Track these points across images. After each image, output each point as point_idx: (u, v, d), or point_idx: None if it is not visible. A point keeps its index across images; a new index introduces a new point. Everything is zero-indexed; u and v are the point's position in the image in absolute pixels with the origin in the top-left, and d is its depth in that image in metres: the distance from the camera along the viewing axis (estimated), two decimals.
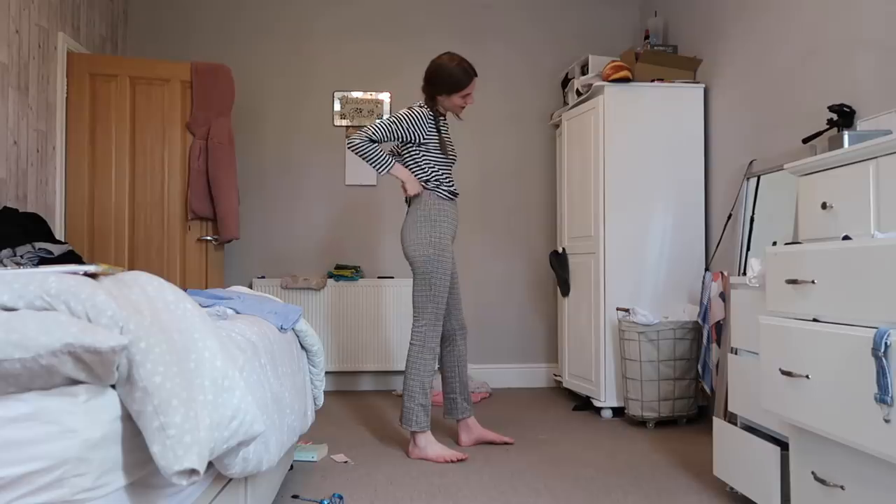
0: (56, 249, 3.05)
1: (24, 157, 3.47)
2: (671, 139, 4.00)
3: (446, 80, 3.16)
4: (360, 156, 3.11)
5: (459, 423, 3.37)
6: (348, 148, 3.17)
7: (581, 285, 4.20)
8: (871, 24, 2.78)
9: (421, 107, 3.20)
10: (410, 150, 3.19)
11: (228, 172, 4.09)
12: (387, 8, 4.97)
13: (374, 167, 3.13)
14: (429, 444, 3.11)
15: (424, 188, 3.18)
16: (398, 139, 3.17)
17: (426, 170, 3.18)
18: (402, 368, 4.71)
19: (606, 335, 3.95)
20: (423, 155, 3.19)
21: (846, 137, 2.33)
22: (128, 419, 1.23)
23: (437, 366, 3.20)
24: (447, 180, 3.22)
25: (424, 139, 3.17)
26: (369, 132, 3.10)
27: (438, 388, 4.52)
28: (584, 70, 4.49)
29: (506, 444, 3.34)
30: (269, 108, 4.88)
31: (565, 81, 4.80)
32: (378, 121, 3.16)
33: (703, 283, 3.60)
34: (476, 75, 3.20)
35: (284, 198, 4.87)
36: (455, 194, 3.24)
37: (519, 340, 4.98)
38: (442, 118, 3.27)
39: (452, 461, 3.03)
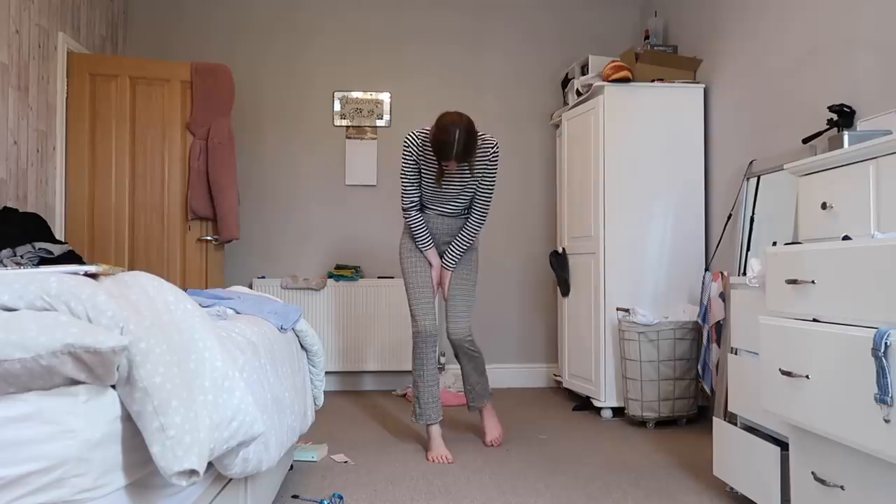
0: (56, 249, 3.05)
1: (24, 157, 3.47)
2: (671, 139, 4.00)
3: (434, 145, 3.00)
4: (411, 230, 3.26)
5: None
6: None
7: (581, 285, 4.20)
8: (871, 24, 2.78)
9: (419, 131, 3.16)
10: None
11: (228, 172, 4.09)
12: (387, 8, 4.97)
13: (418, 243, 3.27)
14: (430, 440, 3.17)
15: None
16: (416, 178, 3.17)
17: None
18: (402, 369, 4.74)
19: (606, 335, 3.94)
20: (423, 177, 3.18)
21: (846, 137, 2.33)
22: (128, 419, 1.23)
23: (425, 361, 3.23)
24: (426, 198, 3.21)
25: (420, 164, 3.16)
26: (402, 201, 3.22)
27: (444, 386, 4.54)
28: (584, 70, 4.49)
29: (492, 444, 3.35)
30: (269, 108, 4.88)
31: (565, 81, 4.80)
32: (400, 179, 3.25)
33: (703, 283, 3.60)
34: (447, 159, 2.97)
35: (284, 198, 4.87)
36: (427, 207, 3.23)
37: (519, 340, 4.98)
38: None
39: (437, 461, 3.06)
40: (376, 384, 4.83)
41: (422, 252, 3.28)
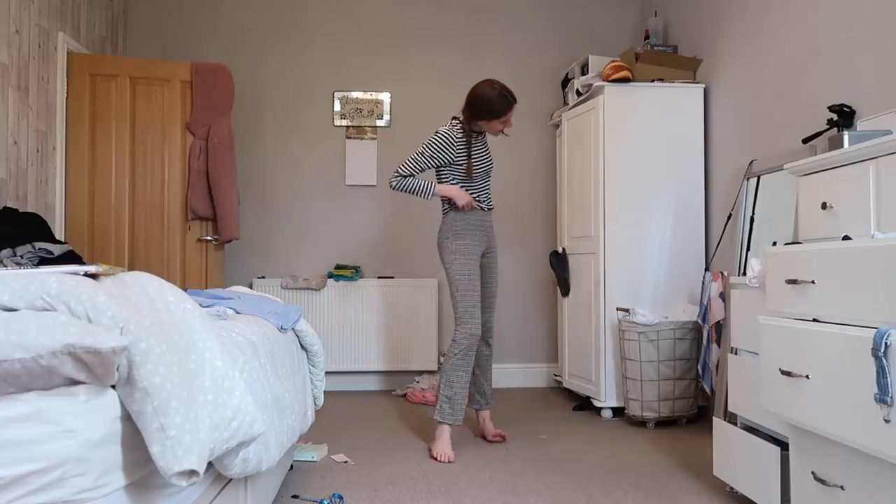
0: (56, 249, 3.05)
1: (24, 157, 3.47)
2: (671, 139, 4.00)
3: (486, 108, 3.25)
4: (402, 191, 3.28)
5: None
6: (392, 188, 3.31)
7: (581, 285, 4.20)
8: (871, 24, 2.78)
9: (451, 127, 3.28)
10: (442, 171, 3.33)
11: (228, 172, 4.09)
12: (387, 8, 4.97)
13: (419, 196, 3.27)
14: (439, 439, 3.18)
15: (452, 206, 3.32)
16: (429, 167, 3.28)
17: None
18: (402, 369, 4.75)
19: (606, 335, 3.94)
20: (450, 174, 3.30)
21: (846, 137, 2.33)
22: (128, 419, 1.23)
23: (469, 364, 3.27)
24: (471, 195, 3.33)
25: (454, 160, 3.27)
26: (400, 170, 3.25)
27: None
28: (584, 70, 4.49)
29: (500, 437, 3.41)
30: (269, 108, 4.88)
31: (565, 81, 4.80)
32: (410, 155, 3.28)
33: (703, 283, 3.60)
34: (515, 101, 3.28)
35: (284, 198, 4.87)
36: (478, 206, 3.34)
37: (519, 340, 4.98)
38: (476, 135, 3.35)
39: (440, 459, 3.08)
40: (377, 384, 4.83)
41: (433, 193, 3.25)
